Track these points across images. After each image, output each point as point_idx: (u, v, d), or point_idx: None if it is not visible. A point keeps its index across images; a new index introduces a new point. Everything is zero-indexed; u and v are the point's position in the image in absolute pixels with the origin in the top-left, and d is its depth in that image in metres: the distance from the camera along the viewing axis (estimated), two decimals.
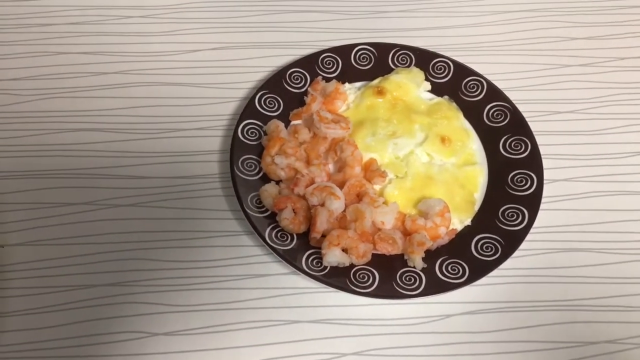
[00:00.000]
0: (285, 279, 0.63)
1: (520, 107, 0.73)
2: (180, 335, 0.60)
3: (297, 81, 0.74)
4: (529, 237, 0.64)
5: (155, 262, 0.64)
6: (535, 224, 0.65)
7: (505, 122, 0.72)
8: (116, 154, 0.70)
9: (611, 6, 0.86)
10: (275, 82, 0.73)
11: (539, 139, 0.71)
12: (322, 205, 0.63)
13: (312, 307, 0.62)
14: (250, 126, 0.70)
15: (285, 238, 0.63)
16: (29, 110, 0.73)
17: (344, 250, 0.62)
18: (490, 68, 0.78)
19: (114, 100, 0.74)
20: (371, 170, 0.66)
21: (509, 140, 0.70)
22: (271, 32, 0.81)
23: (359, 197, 0.65)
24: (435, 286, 0.61)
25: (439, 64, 0.76)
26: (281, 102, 0.73)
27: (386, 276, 0.61)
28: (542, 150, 0.70)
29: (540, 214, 0.65)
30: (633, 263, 0.65)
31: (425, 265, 0.62)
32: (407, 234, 0.64)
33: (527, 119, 0.72)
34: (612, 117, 0.76)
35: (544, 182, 0.67)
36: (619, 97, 0.77)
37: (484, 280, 0.62)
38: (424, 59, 0.76)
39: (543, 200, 0.66)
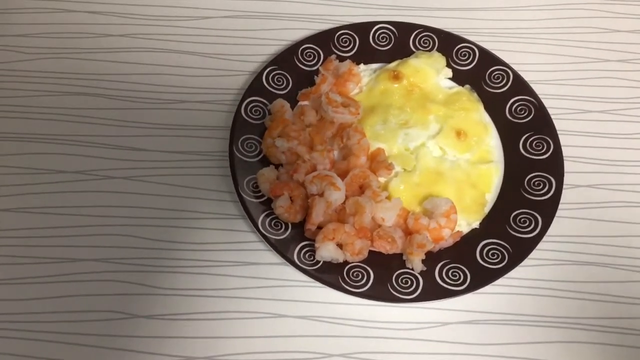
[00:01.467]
0: (275, 270, 0.60)
1: (547, 103, 0.68)
2: (162, 319, 0.58)
3: (310, 58, 0.70)
4: (540, 245, 0.59)
5: (143, 240, 0.61)
6: (549, 231, 0.60)
7: (529, 118, 0.66)
8: (113, 122, 0.67)
9: None
10: (285, 58, 0.69)
11: (563, 139, 0.65)
12: (321, 195, 0.60)
13: (301, 302, 0.59)
14: (255, 104, 0.66)
15: (280, 227, 0.60)
16: (30, 70, 0.71)
17: (339, 245, 0.58)
18: (519, 57, 0.72)
19: (116, 64, 0.71)
20: (377, 161, 0.62)
21: (531, 139, 0.65)
22: (286, 3, 0.76)
23: (362, 189, 0.61)
24: (433, 292, 0.57)
25: (463, 49, 0.71)
26: (290, 80, 0.69)
27: (382, 276, 0.58)
28: (566, 151, 0.65)
29: (555, 220, 0.61)
30: None
31: (425, 268, 0.58)
32: (408, 232, 0.60)
33: (553, 116, 0.67)
34: None
35: (564, 186, 0.62)
36: None
37: (486, 287, 0.58)
38: (447, 43, 0.71)
39: (560, 206, 0.62)
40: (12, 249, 0.60)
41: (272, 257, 0.60)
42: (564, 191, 0.62)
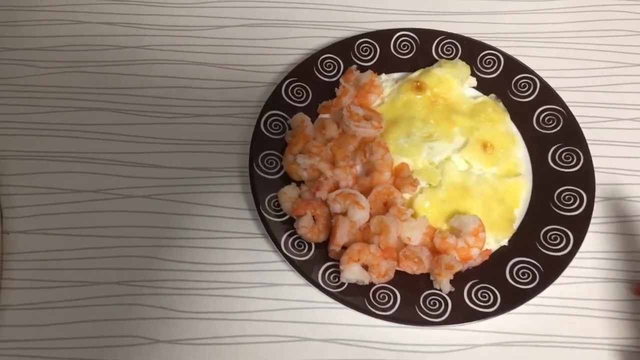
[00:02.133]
0: (298, 291, 0.59)
1: (575, 111, 0.65)
2: (184, 344, 0.56)
3: (330, 69, 0.68)
4: (572, 262, 0.57)
5: (164, 261, 0.60)
6: (581, 247, 0.58)
7: (558, 128, 0.64)
8: (131, 139, 0.66)
9: None
10: (305, 70, 0.67)
11: (593, 149, 0.63)
12: (345, 214, 0.58)
13: (325, 324, 0.57)
14: (275, 118, 0.65)
15: (303, 247, 0.59)
16: (45, 85, 0.69)
17: (365, 266, 0.57)
18: (544, 63, 0.70)
19: (132, 78, 0.69)
20: (402, 177, 0.60)
21: (560, 151, 0.63)
22: (304, 10, 0.74)
23: (386, 206, 0.60)
24: (462, 314, 0.55)
25: (488, 56, 0.68)
26: (310, 92, 0.67)
27: (409, 298, 0.56)
28: (596, 162, 0.63)
29: (587, 236, 0.59)
30: None
31: (453, 289, 0.56)
32: (435, 252, 0.58)
33: (582, 125, 0.64)
34: None
35: (595, 200, 0.60)
36: None
37: (518, 307, 0.56)
38: (471, 50, 0.69)
39: (592, 220, 0.59)
40: (29, 272, 0.59)
41: (295, 277, 0.59)
42: (596, 204, 0.60)
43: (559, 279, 0.57)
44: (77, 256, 0.60)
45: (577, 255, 0.58)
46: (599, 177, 0.62)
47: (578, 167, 0.62)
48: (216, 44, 0.72)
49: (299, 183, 0.62)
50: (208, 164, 0.65)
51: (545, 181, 0.62)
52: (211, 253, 0.60)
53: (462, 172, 0.62)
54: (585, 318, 0.58)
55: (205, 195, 0.63)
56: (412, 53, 0.69)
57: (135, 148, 0.65)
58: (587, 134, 0.64)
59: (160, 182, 0.64)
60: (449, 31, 0.69)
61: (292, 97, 0.66)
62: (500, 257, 0.59)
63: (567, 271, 0.57)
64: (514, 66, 0.68)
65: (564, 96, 0.66)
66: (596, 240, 0.61)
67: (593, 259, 0.60)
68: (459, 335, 0.57)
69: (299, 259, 0.57)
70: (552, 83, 0.67)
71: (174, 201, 0.63)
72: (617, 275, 0.59)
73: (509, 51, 0.69)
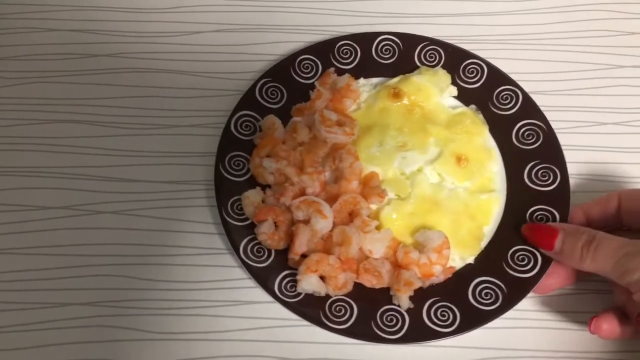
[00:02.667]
0: (274, 309, 0.56)
1: (556, 115, 0.64)
2: None
3: (307, 70, 0.66)
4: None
5: (134, 280, 0.58)
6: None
7: (537, 144, 0.62)
8: (99, 151, 0.64)
9: None
10: (282, 70, 0.66)
11: (576, 155, 0.62)
12: (308, 221, 0.57)
13: (304, 343, 0.55)
14: (246, 118, 0.63)
15: (262, 253, 0.57)
16: (6, 97, 0.66)
17: (322, 277, 0.55)
18: (525, 66, 0.68)
19: (101, 87, 0.67)
20: (370, 187, 0.59)
21: (537, 168, 0.61)
22: (281, 13, 0.72)
23: (352, 216, 0.58)
24: (419, 333, 0.54)
25: (471, 66, 0.66)
26: (285, 93, 0.65)
27: (366, 312, 0.55)
28: (579, 168, 0.62)
29: None
30: None
31: (412, 306, 0.55)
32: (397, 266, 0.56)
33: (562, 130, 0.63)
34: None
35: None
36: None
37: (497, 322, 0.54)
38: (455, 58, 0.67)
39: None
40: None
41: (266, 295, 0.56)
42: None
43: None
44: (43, 277, 0.58)
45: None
46: (582, 184, 0.61)
47: (554, 186, 0.60)
48: (190, 50, 0.69)
49: (265, 187, 0.61)
50: (180, 177, 0.63)
51: (518, 199, 0.60)
52: (182, 270, 0.58)
53: (434, 185, 0.60)
54: (564, 331, 0.56)
55: (176, 210, 0.61)
56: (394, 58, 0.67)
57: (104, 161, 0.63)
58: (571, 138, 0.63)
59: (130, 196, 0.62)
60: (430, 35, 0.67)
61: (266, 98, 0.64)
62: (464, 275, 0.57)
63: None
64: (497, 77, 0.65)
65: (544, 100, 0.64)
66: None
67: None
68: (438, 352, 0.55)
69: (256, 265, 0.56)
70: (534, 87, 0.65)
71: (144, 216, 0.61)
72: (594, 286, 0.57)
73: (487, 54, 0.67)
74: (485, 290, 0.55)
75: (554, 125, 0.62)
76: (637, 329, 0.50)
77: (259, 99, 0.64)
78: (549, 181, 0.60)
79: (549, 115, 0.62)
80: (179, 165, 0.63)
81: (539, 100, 0.64)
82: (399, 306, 0.55)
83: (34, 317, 0.56)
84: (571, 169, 0.60)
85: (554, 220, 0.58)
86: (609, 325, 0.52)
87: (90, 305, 0.56)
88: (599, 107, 0.66)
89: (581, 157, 0.63)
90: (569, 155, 0.60)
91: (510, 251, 0.57)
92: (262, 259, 0.57)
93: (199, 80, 0.68)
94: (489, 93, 0.65)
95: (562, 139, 0.61)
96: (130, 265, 0.58)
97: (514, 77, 0.65)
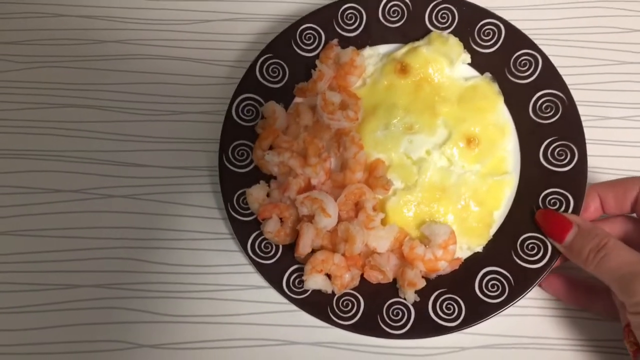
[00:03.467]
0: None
1: None
2: (168, 349, 0.57)
3: (309, 42, 0.62)
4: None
5: (145, 263, 0.60)
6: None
7: (555, 118, 0.58)
8: (110, 136, 0.64)
9: None
10: (282, 43, 0.62)
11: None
12: (312, 217, 0.57)
13: (311, 327, 0.58)
14: (248, 102, 0.61)
15: (270, 248, 0.58)
16: (20, 80, 0.66)
17: (328, 275, 0.56)
18: None
19: (111, 73, 0.66)
20: (375, 177, 0.57)
21: (553, 145, 0.57)
22: (290, 4, 0.68)
23: (357, 207, 0.57)
24: (424, 328, 0.55)
25: (488, 26, 0.61)
26: (287, 70, 0.62)
27: (372, 307, 0.56)
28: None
29: None
30: None
31: (418, 299, 0.56)
32: (403, 259, 0.56)
33: None
34: None
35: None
36: None
37: (507, 310, 0.55)
38: (470, 19, 0.61)
39: None
40: (6, 275, 0.59)
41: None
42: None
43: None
44: (55, 258, 0.60)
45: None
46: (598, 165, 0.59)
47: (571, 166, 0.57)
48: (198, 38, 0.68)
49: (271, 178, 0.60)
50: (188, 162, 0.63)
51: (532, 180, 0.57)
52: (193, 255, 0.60)
53: (441, 170, 0.58)
54: (573, 319, 0.57)
55: (182, 195, 0.62)
56: (403, 20, 0.62)
57: (115, 146, 0.64)
58: None
59: (139, 181, 0.63)
60: None
61: (267, 77, 0.62)
62: (472, 265, 0.57)
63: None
64: (516, 39, 0.60)
65: None
66: None
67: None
68: (447, 338, 0.57)
69: (264, 262, 0.57)
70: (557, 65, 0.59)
71: (154, 201, 0.62)
72: None
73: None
74: (492, 282, 0.55)
75: None
76: (628, 341, 0.50)
77: (260, 78, 0.61)
78: (566, 161, 0.57)
79: None
80: (187, 151, 0.63)
81: None
82: (405, 299, 0.56)
83: (45, 298, 0.59)
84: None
85: (568, 204, 0.55)
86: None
87: (99, 287, 0.59)
88: (602, 102, 0.64)
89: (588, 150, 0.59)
90: None
91: (520, 239, 0.56)
92: (270, 254, 0.58)
93: (207, 67, 0.66)
94: (506, 58, 0.60)
95: None
96: (138, 248, 0.60)
97: None
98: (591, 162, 0.57)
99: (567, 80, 0.58)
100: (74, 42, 0.68)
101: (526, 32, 0.60)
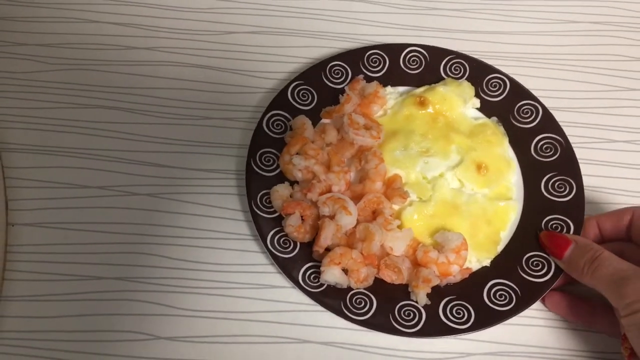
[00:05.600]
0: (295, 294, 0.60)
1: (571, 131, 0.68)
2: (184, 341, 0.57)
3: (338, 76, 0.70)
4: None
5: (165, 259, 0.61)
6: None
7: (554, 157, 0.65)
8: (137, 137, 0.67)
9: None
10: (313, 74, 0.69)
11: (588, 169, 0.66)
12: (333, 217, 0.60)
13: (324, 328, 0.58)
14: (277, 117, 0.66)
15: (288, 245, 0.60)
16: (53, 81, 0.70)
17: (345, 270, 0.58)
18: (542, 83, 0.72)
19: (141, 78, 0.71)
20: (393, 188, 0.62)
21: (553, 179, 0.63)
22: (311, 20, 0.76)
23: (374, 215, 0.61)
24: (435, 328, 0.56)
25: (494, 80, 0.69)
26: (315, 96, 0.68)
27: (384, 306, 0.57)
28: (590, 181, 0.65)
29: None
30: None
31: (429, 302, 0.57)
32: (416, 264, 0.59)
33: (577, 145, 0.66)
34: None
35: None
36: None
37: (513, 319, 0.57)
38: (479, 72, 0.70)
39: None
40: (32, 264, 0.60)
41: (289, 281, 0.59)
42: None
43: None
44: (79, 251, 0.61)
45: None
46: (592, 196, 0.64)
47: (570, 197, 0.62)
48: (224, 49, 0.73)
49: (293, 183, 0.63)
50: (211, 165, 0.66)
51: (535, 208, 0.63)
52: (211, 253, 0.62)
53: (454, 190, 0.63)
54: (579, 332, 0.59)
55: (206, 196, 0.64)
56: (421, 69, 0.70)
57: (141, 146, 0.67)
58: (583, 153, 0.66)
59: (163, 181, 0.65)
60: (456, 50, 0.70)
61: (297, 100, 0.68)
62: (480, 277, 0.60)
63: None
64: (518, 92, 0.68)
65: (561, 116, 0.67)
66: None
67: None
68: (454, 343, 0.58)
69: (282, 255, 0.59)
70: (549, 103, 0.68)
71: (176, 200, 0.64)
72: None
73: (509, 70, 0.70)
74: (500, 292, 0.58)
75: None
76: (623, 348, 0.53)
77: (291, 100, 0.67)
78: (565, 192, 0.63)
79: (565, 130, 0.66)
80: (210, 155, 0.67)
81: (554, 115, 0.67)
82: (416, 302, 0.57)
83: (68, 288, 0.59)
84: (586, 181, 0.63)
85: (568, 229, 0.60)
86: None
87: (120, 280, 0.60)
88: (609, 126, 0.70)
89: (592, 170, 0.67)
90: (583, 169, 0.63)
91: (525, 256, 0.60)
92: (288, 250, 0.60)
93: (233, 77, 0.71)
94: (510, 106, 0.68)
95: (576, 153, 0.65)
96: (161, 245, 0.62)
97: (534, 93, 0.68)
98: (596, 181, 0.64)
99: (575, 103, 0.69)
100: (105, 47, 0.72)
101: (534, 55, 0.70)
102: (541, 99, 0.68)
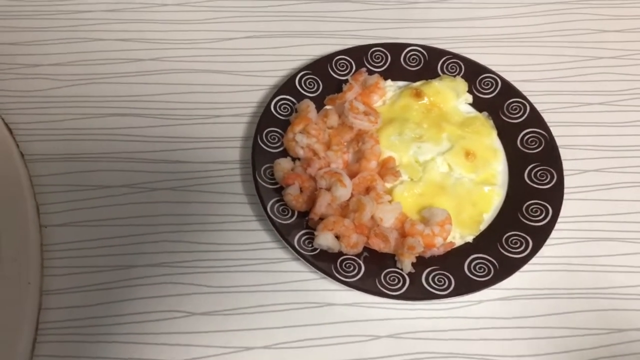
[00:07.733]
0: (293, 265, 0.65)
1: (550, 98, 0.77)
2: (215, 315, 0.62)
3: (342, 68, 0.76)
4: (558, 225, 0.65)
5: (189, 244, 0.66)
6: (564, 213, 0.66)
7: (539, 149, 0.70)
8: (152, 139, 0.73)
9: None
10: (320, 65, 0.75)
11: (567, 130, 0.74)
12: (329, 189, 0.65)
13: (346, 291, 0.63)
14: (284, 101, 0.72)
15: (287, 213, 0.65)
16: (68, 95, 0.76)
17: (337, 236, 0.63)
18: (519, 59, 0.80)
19: (149, 86, 0.77)
20: (386, 168, 0.67)
21: (536, 169, 0.68)
22: (301, 21, 0.83)
23: (367, 191, 0.66)
24: (417, 292, 0.61)
25: (487, 79, 0.75)
26: (321, 85, 0.74)
27: (372, 271, 0.62)
28: (569, 141, 0.73)
29: (569, 203, 0.68)
30: None
31: (413, 271, 0.62)
32: (403, 236, 0.64)
33: (553, 110, 0.76)
34: None
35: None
36: None
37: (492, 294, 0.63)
38: (473, 71, 0.76)
39: (572, 190, 0.70)
40: (67, 260, 0.65)
41: (289, 252, 0.65)
42: (574, 176, 0.71)
43: (549, 240, 0.64)
44: (109, 244, 0.66)
45: (563, 220, 0.66)
46: (573, 153, 0.73)
47: (550, 184, 0.67)
48: (224, 54, 0.80)
49: (295, 160, 0.69)
50: (222, 158, 0.72)
51: (517, 193, 0.67)
52: (229, 235, 0.67)
53: (443, 173, 0.68)
54: (580, 273, 0.66)
55: (221, 185, 0.70)
56: (420, 66, 0.76)
57: (157, 147, 0.73)
58: (562, 117, 0.75)
59: (181, 175, 0.71)
60: (437, 37, 0.79)
61: (304, 87, 0.74)
62: (462, 251, 0.64)
63: (555, 233, 0.65)
64: (508, 91, 0.74)
65: (538, 87, 0.77)
66: (576, 206, 0.70)
67: (575, 222, 0.69)
68: (429, 322, 0.63)
69: (280, 221, 0.64)
70: (519, 77, 0.77)
71: (194, 191, 0.69)
72: (595, 235, 0.68)
73: (486, 51, 0.80)
74: (480, 265, 0.63)
75: (545, 106, 0.75)
76: None
77: (298, 87, 0.73)
78: (546, 181, 0.67)
79: (542, 99, 0.76)
80: (220, 148, 0.73)
81: (532, 87, 0.77)
82: (401, 269, 0.62)
83: (106, 278, 0.64)
84: (565, 141, 0.72)
85: (547, 213, 0.65)
86: None
87: (154, 266, 0.65)
88: (583, 91, 0.79)
89: (568, 131, 0.74)
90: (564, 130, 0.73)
91: (506, 235, 0.64)
92: (286, 217, 0.65)
93: (234, 77, 0.78)
94: (501, 103, 0.73)
95: (554, 117, 0.74)
96: (185, 232, 0.67)
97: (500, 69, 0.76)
98: (577, 140, 0.74)
99: (551, 74, 0.79)
100: (113, 61, 0.78)
101: (504, 36, 0.81)
102: (515, 73, 0.77)
